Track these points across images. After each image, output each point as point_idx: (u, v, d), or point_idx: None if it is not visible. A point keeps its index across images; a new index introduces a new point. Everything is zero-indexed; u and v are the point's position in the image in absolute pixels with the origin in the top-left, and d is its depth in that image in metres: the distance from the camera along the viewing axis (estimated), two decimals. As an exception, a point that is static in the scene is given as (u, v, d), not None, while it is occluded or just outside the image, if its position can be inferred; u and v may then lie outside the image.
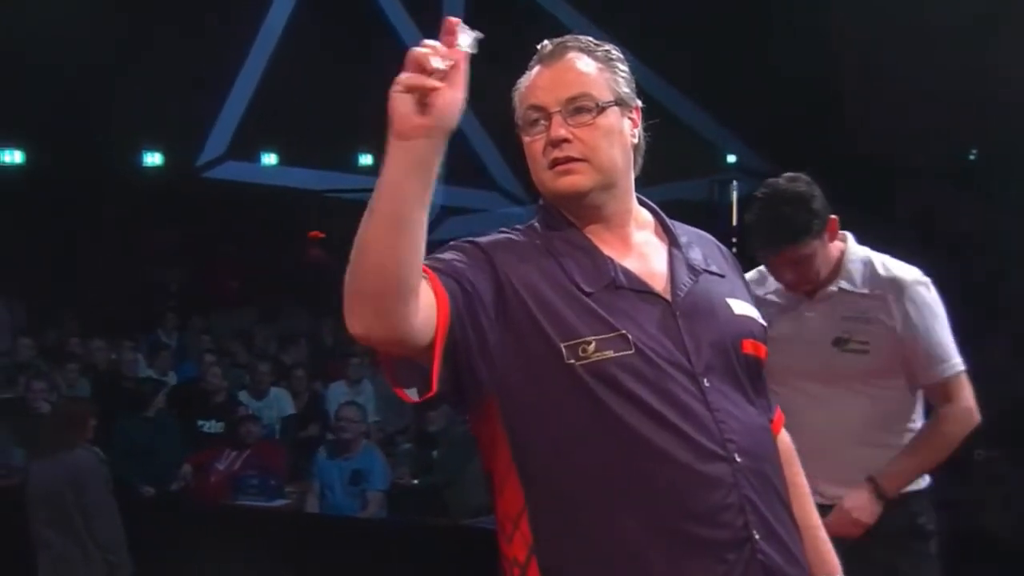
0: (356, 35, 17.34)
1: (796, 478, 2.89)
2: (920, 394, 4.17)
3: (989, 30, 12.61)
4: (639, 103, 2.76)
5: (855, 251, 4.18)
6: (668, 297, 2.66)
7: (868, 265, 4.15)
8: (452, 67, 2.27)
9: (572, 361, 2.52)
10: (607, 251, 2.68)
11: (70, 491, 7.58)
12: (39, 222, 15.62)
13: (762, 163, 16.27)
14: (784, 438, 2.92)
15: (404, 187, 2.27)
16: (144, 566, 8.43)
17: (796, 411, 3.55)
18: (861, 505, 4.02)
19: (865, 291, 4.12)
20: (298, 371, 11.91)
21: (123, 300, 14.55)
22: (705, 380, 2.60)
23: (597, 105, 2.65)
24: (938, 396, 4.10)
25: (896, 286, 4.11)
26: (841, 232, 4.20)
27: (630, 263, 2.68)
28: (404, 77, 2.27)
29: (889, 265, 4.17)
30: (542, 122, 2.65)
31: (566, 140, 2.63)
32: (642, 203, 2.80)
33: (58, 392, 11.38)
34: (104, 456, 8.22)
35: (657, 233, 2.79)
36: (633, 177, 2.75)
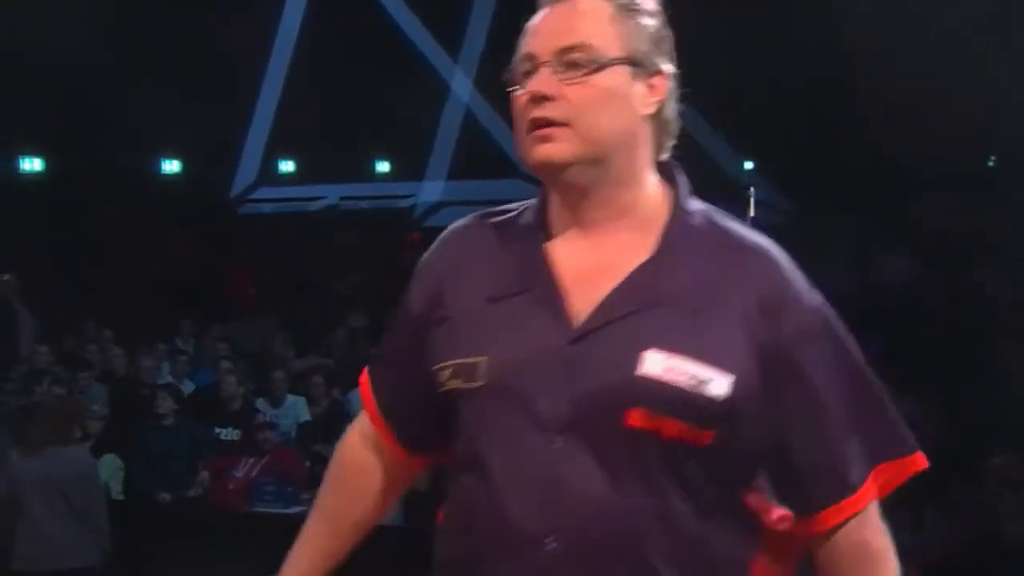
0: (368, 42, 17.39)
1: None
2: None
3: (1006, 35, 12.59)
4: (669, 68, 2.22)
5: None
6: (575, 323, 2.09)
7: None
8: None
9: (439, 389, 2.20)
10: (560, 246, 2.17)
11: (73, 485, 7.69)
12: (59, 229, 15.68)
13: (777, 173, 16.31)
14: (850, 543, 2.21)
15: None
16: (161, 573, 8.48)
17: None
18: None
19: None
20: (316, 378, 11.93)
21: (141, 307, 14.59)
22: (559, 440, 2.06)
23: (596, 60, 2.11)
24: None
25: None
26: None
27: (578, 267, 2.14)
28: None
29: None
30: (533, 75, 2.14)
31: (547, 98, 2.11)
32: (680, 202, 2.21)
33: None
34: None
35: (658, 237, 2.16)
36: (651, 159, 2.20)
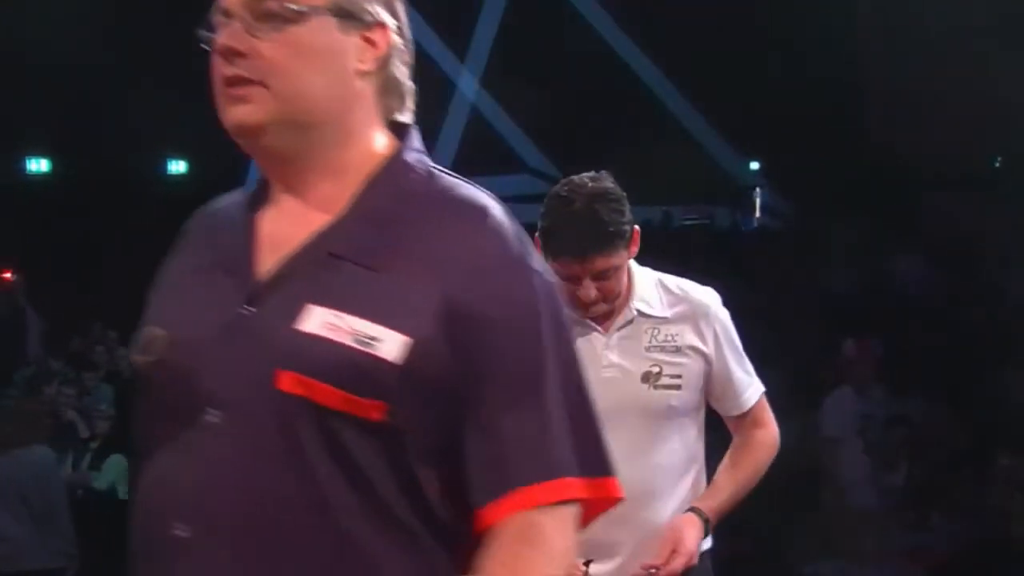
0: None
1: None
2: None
3: (1011, 37, 12.59)
4: (390, 20, 1.94)
5: (640, 270, 3.52)
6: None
7: (660, 285, 3.53)
8: None
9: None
10: (268, 213, 1.94)
11: (33, 487, 7.65)
12: (65, 230, 15.70)
13: (784, 174, 16.31)
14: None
15: None
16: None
17: None
18: (685, 528, 3.41)
19: (667, 315, 3.50)
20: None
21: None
22: (209, 413, 1.80)
23: (291, 10, 1.85)
24: (745, 424, 3.63)
25: (702, 308, 3.52)
26: None
27: (276, 233, 1.91)
28: None
29: (684, 285, 3.56)
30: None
31: (239, 54, 1.86)
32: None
33: (84, 399, 11.48)
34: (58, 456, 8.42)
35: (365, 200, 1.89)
36: (375, 121, 1.95)
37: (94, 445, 10.61)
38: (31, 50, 14.22)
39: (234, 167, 18.15)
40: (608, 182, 3.39)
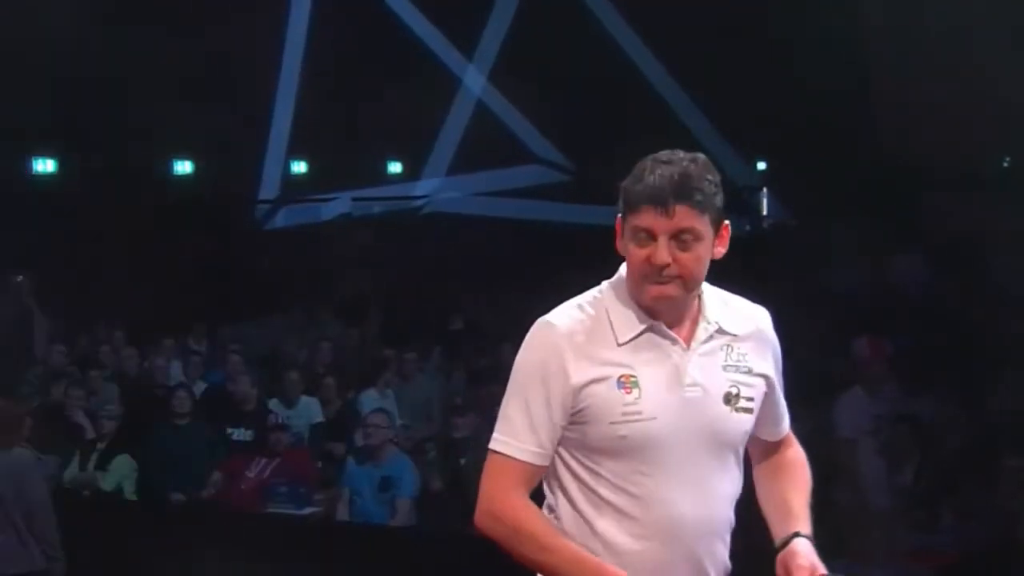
0: (377, 42, 17.42)
1: None
2: None
3: (1020, 35, 12.57)
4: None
5: (705, 284, 3.33)
6: None
7: (723, 301, 3.36)
8: None
9: None
10: None
11: (10, 489, 7.62)
12: (72, 230, 15.71)
13: (790, 174, 16.30)
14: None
15: None
16: (173, 573, 8.49)
17: (662, 499, 3.19)
18: (813, 556, 3.31)
19: (738, 332, 3.32)
20: (328, 379, 11.94)
21: (153, 308, 14.61)
22: None
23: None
24: (779, 445, 3.55)
25: (762, 328, 3.38)
26: None
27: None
28: None
29: (742, 302, 3.40)
30: None
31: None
32: None
33: (90, 399, 11.49)
34: (41, 456, 8.31)
35: None
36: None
37: (101, 445, 10.62)
38: (36, 50, 14.23)
39: (240, 167, 17.98)
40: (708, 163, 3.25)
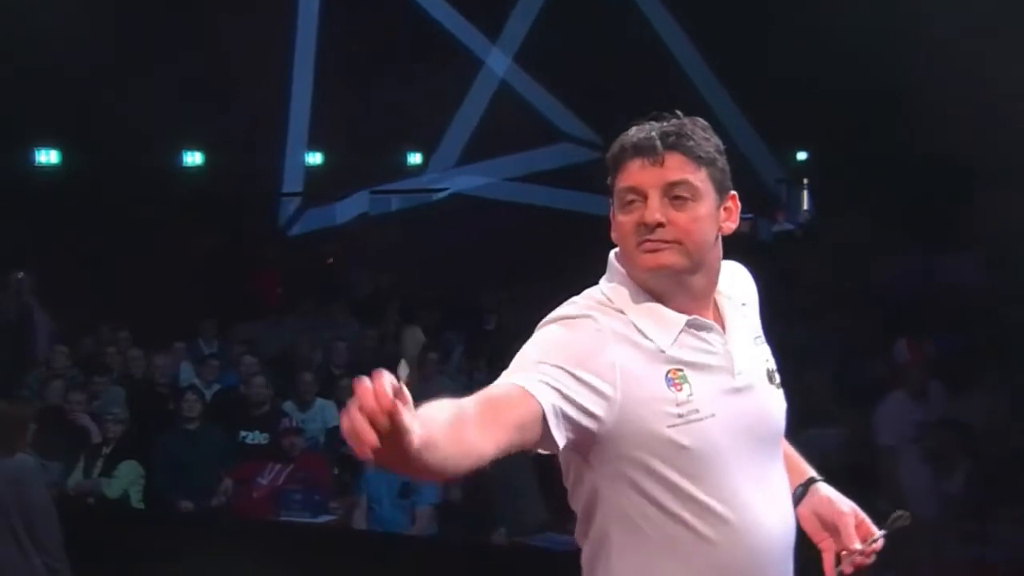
0: (393, 28, 17.41)
1: None
2: None
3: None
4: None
5: None
6: None
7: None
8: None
9: None
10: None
11: (11, 496, 7.57)
12: (76, 225, 15.70)
13: (830, 170, 16.25)
14: None
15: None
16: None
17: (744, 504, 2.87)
18: (841, 497, 3.14)
19: (745, 300, 3.08)
20: (344, 381, 11.90)
21: (162, 307, 14.60)
22: None
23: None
24: None
25: (750, 284, 3.14)
26: None
27: None
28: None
29: (725, 263, 3.07)
30: None
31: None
32: None
33: (94, 403, 11.46)
34: (44, 462, 8.25)
35: None
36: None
37: (106, 450, 10.60)
38: (39, 40, 14.23)
39: (253, 160, 17.90)
40: None
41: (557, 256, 13.08)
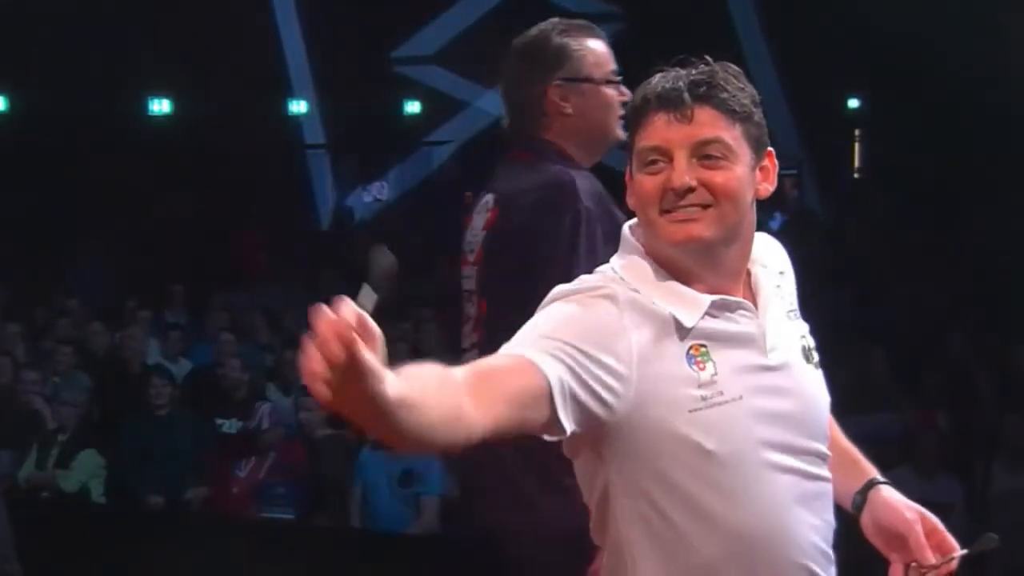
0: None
1: None
2: None
3: None
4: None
5: None
6: None
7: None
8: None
9: None
10: None
11: None
12: (25, 179, 15.70)
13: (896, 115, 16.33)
14: None
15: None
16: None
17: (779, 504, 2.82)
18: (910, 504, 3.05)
19: (782, 269, 3.04)
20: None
21: (126, 274, 14.62)
22: None
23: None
24: None
25: (784, 254, 3.08)
26: None
27: None
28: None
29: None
30: None
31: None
32: None
33: (49, 383, 11.48)
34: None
35: None
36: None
37: (62, 438, 10.61)
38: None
39: (227, 107, 17.86)
40: None
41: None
